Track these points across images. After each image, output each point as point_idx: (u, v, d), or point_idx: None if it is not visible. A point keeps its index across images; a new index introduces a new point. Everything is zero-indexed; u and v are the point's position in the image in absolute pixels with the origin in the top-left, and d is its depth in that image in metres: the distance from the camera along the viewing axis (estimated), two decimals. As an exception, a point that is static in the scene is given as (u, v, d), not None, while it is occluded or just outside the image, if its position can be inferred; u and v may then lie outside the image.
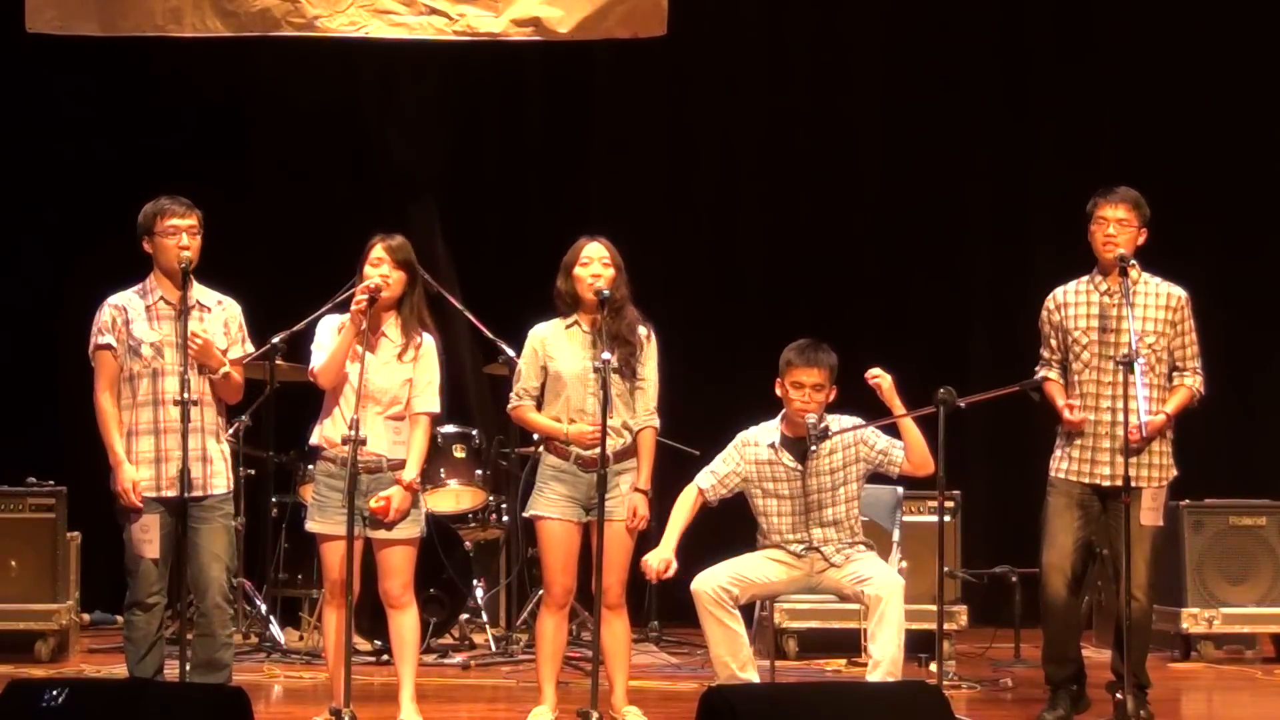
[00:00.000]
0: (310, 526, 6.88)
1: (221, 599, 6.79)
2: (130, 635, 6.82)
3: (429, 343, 6.94)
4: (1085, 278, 7.28)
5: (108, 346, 6.81)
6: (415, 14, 10.11)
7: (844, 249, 10.79)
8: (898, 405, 7.12)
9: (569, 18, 10.12)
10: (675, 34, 10.14)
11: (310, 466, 8.71)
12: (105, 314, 6.85)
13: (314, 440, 6.93)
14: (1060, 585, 7.16)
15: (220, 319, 6.90)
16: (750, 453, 7.22)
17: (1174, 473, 7.24)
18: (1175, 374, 7.22)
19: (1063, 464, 7.22)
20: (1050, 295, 7.33)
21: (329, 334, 6.88)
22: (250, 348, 7.08)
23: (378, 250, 6.86)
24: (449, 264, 10.20)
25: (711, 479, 7.23)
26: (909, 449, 7.13)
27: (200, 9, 10.01)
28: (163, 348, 6.77)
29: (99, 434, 6.82)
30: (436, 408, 6.94)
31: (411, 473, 6.82)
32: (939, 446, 7.01)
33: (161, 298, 6.83)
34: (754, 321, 10.49)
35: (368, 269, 6.85)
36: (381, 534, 6.79)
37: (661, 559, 6.99)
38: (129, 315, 6.82)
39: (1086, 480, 7.16)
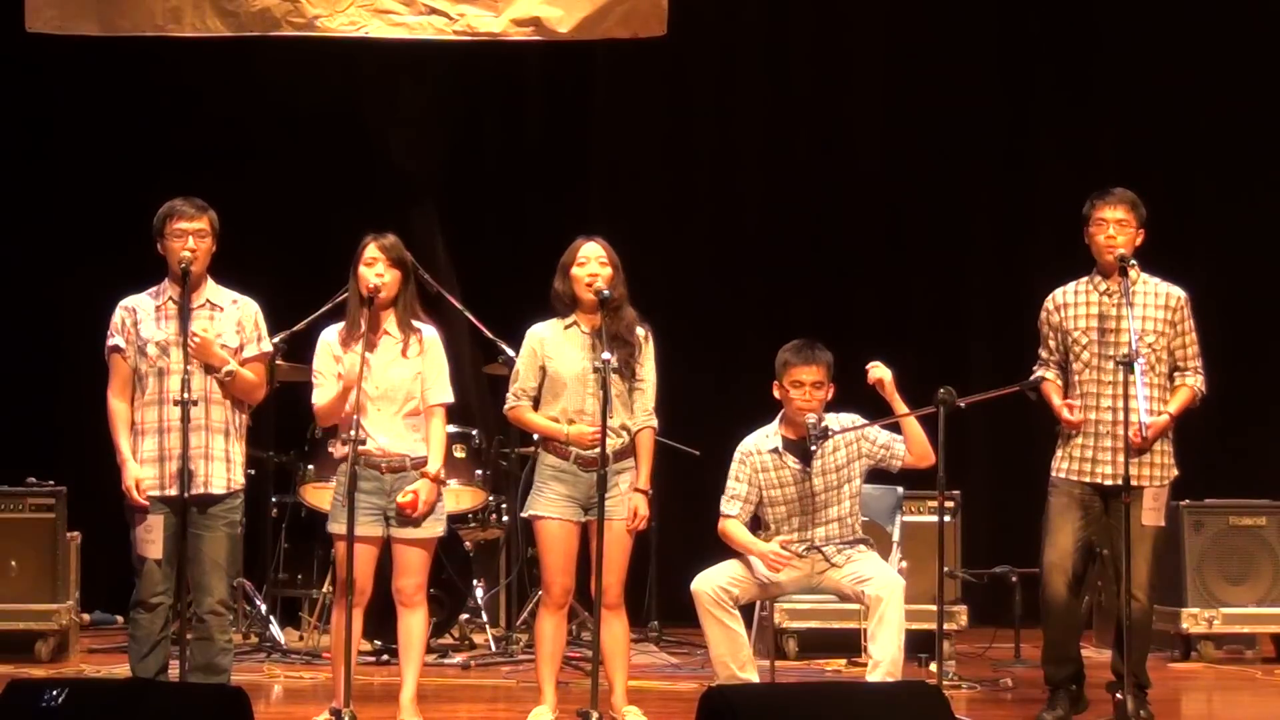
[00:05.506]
0: (332, 528, 6.88)
1: (220, 606, 6.78)
2: (134, 634, 6.83)
3: (431, 334, 6.94)
4: (1085, 278, 7.27)
5: (117, 348, 6.84)
6: (415, 14, 10.11)
7: (844, 249, 10.79)
8: (898, 402, 7.13)
9: (569, 18, 10.11)
10: (675, 34, 10.13)
11: (310, 466, 8.85)
12: (116, 315, 6.87)
13: (334, 452, 6.92)
14: (1061, 585, 7.15)
15: (234, 318, 6.88)
16: (756, 461, 7.22)
17: (1175, 472, 7.23)
18: (1176, 374, 7.22)
19: (1064, 464, 7.22)
20: (1050, 296, 7.33)
21: (327, 360, 6.87)
22: (268, 346, 7.04)
23: (371, 250, 6.86)
24: (449, 264, 10.19)
25: (738, 505, 7.21)
26: (909, 441, 7.14)
27: (200, 9, 10.00)
28: (168, 347, 6.77)
29: (108, 434, 6.83)
30: (450, 397, 6.95)
31: (435, 464, 6.84)
32: (939, 447, 7.03)
33: (170, 298, 6.83)
34: (754, 321, 10.49)
35: (362, 269, 6.85)
36: (406, 533, 6.79)
37: (777, 549, 7.03)
38: (138, 316, 6.83)
39: (1088, 480, 7.16)
